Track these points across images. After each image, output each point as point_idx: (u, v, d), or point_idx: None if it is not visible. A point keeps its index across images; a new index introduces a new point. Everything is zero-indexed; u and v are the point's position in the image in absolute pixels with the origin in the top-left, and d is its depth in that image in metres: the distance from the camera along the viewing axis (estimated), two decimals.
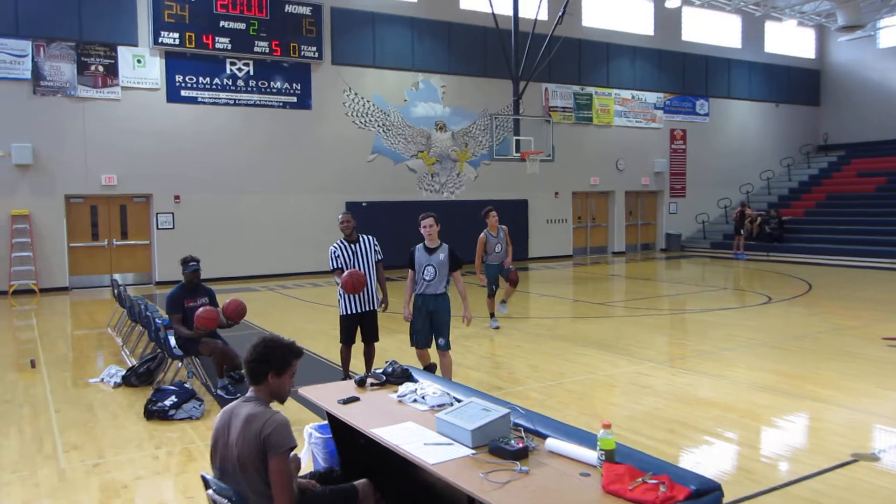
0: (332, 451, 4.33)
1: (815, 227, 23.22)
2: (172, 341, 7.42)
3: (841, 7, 23.63)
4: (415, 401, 3.94)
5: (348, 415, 3.78)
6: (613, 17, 23.79)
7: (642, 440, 5.75)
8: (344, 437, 4.21)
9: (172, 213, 17.27)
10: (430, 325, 7.04)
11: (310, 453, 4.47)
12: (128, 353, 9.31)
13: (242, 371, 7.83)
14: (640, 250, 25.55)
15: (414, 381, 4.27)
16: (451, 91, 20.83)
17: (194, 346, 7.04)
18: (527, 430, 3.37)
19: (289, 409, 6.52)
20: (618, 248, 24.77)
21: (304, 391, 4.29)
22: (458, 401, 3.90)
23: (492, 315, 10.78)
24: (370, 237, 7.42)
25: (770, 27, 27.57)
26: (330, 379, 7.75)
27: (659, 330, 11.19)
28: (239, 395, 7.07)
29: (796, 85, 28.76)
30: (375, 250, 7.35)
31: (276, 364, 3.25)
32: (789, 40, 28.34)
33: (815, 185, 26.48)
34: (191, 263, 7.31)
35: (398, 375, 4.33)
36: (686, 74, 25.55)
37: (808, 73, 29.23)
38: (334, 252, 7.27)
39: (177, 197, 17.25)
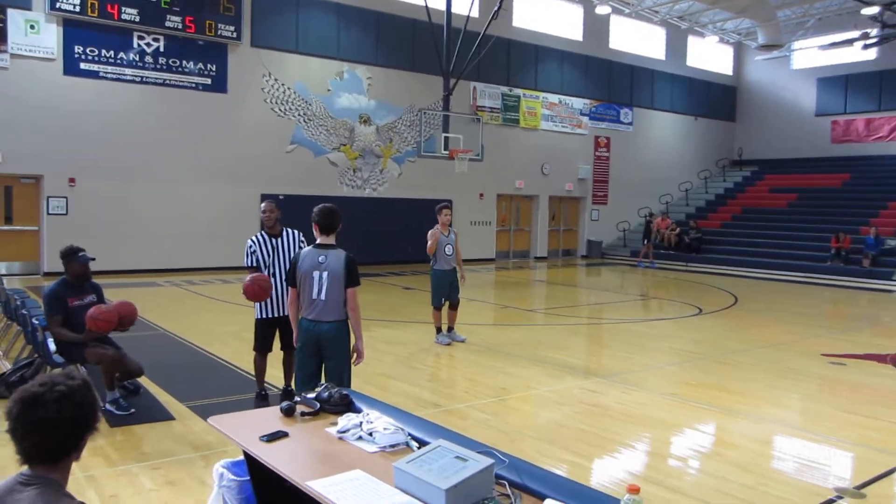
0: (250, 497, 3.43)
1: (732, 238, 23.60)
2: (52, 345, 6.25)
3: (761, 26, 24.15)
4: (360, 438, 3.10)
5: (274, 458, 2.90)
6: (543, 19, 23.47)
7: (606, 471, 5.10)
8: (265, 480, 3.32)
9: (66, 198, 15.63)
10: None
11: (221, 499, 3.55)
12: (0, 354, 8.00)
13: (138, 379, 6.81)
14: (561, 256, 25.34)
15: (357, 410, 3.43)
16: (377, 83, 19.93)
17: (79, 352, 5.92)
18: (513, 485, 2.60)
19: (193, 432, 5.55)
20: (540, 252, 24.46)
21: (215, 421, 3.37)
22: (415, 439, 3.10)
23: (438, 329, 9.50)
24: (295, 231, 6.39)
25: (693, 42, 28.01)
26: (243, 391, 6.81)
27: (597, 341, 10.71)
28: (133, 410, 6.03)
29: (714, 100, 29.36)
30: (301, 247, 6.19)
31: (91, 427, 1.98)
32: (710, 56, 28.90)
33: (730, 199, 27.02)
34: (81, 254, 6.12)
35: (336, 403, 3.47)
36: (612, 82, 25.55)
37: (725, 89, 29.91)
38: (251, 247, 6.24)
39: (72, 180, 15.62)
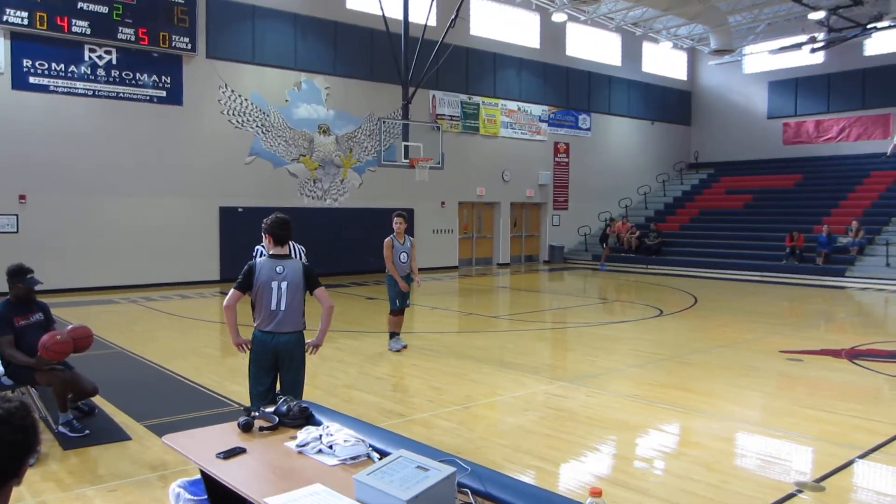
0: None
1: (690, 240, 23.96)
2: (1, 367, 6.04)
3: (714, 31, 24.64)
4: (320, 451, 3.04)
5: (231, 475, 2.82)
6: (501, 27, 23.62)
7: (573, 475, 5.10)
8: (223, 498, 3.24)
9: (16, 216, 15.19)
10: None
11: None
12: None
13: (93, 399, 6.61)
14: (524, 262, 25.45)
15: (317, 423, 3.37)
16: (335, 93, 19.82)
17: (29, 373, 5.73)
18: (476, 493, 2.57)
19: (151, 451, 5.39)
20: (503, 259, 24.54)
21: (170, 440, 3.28)
22: (377, 450, 3.05)
23: (391, 335, 9.52)
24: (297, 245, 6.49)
25: (647, 48, 28.45)
26: (202, 407, 6.66)
27: (562, 345, 10.75)
28: (87, 431, 5.85)
29: (670, 104, 29.84)
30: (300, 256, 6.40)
31: (31, 450, 1.86)
32: (664, 61, 29.39)
33: (688, 201, 27.46)
34: (29, 277, 5.91)
35: (295, 416, 3.41)
36: (570, 89, 25.81)
37: (680, 94, 30.42)
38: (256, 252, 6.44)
39: (22, 197, 15.20)
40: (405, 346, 9.48)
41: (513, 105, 24.13)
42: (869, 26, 22.09)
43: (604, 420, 6.37)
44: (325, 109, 19.66)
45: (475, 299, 16.63)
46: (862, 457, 5.39)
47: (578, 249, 26.07)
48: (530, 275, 22.08)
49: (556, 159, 25.68)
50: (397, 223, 9.28)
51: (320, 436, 3.10)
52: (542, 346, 10.41)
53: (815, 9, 22.46)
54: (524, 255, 25.59)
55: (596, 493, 2.19)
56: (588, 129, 26.72)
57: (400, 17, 17.58)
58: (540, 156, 25.13)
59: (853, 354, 9.26)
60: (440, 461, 2.61)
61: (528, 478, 4.91)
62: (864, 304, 15.91)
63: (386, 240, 9.39)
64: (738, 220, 24.34)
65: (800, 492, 4.68)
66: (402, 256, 9.36)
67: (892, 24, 21.61)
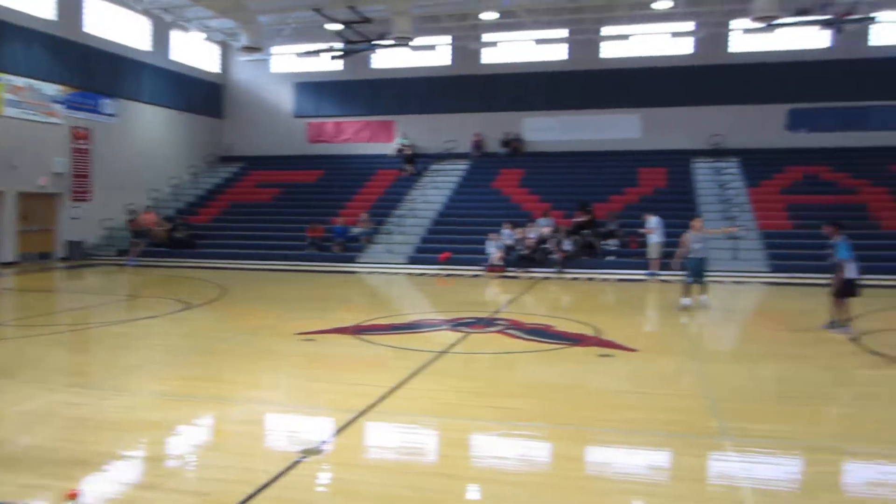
0: None
1: (221, 232, 24.31)
2: None
3: (244, 28, 25.27)
4: None
5: None
6: None
7: (98, 488, 4.87)
8: None
9: None
10: None
11: None
12: None
13: None
14: (37, 260, 22.60)
15: None
16: None
17: None
18: None
19: None
20: (7, 257, 21.37)
21: None
22: None
23: None
24: None
25: (179, 36, 27.81)
26: None
27: (80, 348, 9.96)
28: None
29: (202, 96, 29.73)
30: None
31: None
32: (197, 52, 29.14)
33: (219, 194, 27.76)
34: None
35: None
36: (91, 70, 23.74)
37: (213, 86, 30.53)
38: None
39: None
40: None
41: (20, 81, 21.19)
42: (374, 42, 25.21)
43: (130, 423, 6.14)
44: None
45: None
46: (357, 418, 6.31)
47: (102, 244, 24.21)
48: (43, 274, 19.82)
49: (75, 145, 23.40)
50: None
51: None
52: (55, 352, 9.49)
53: (333, 20, 24.73)
54: (38, 252, 22.70)
55: (71, 496, 2.23)
56: (113, 115, 24.98)
57: None
58: (55, 141, 22.59)
59: (358, 330, 10.62)
60: None
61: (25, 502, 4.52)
62: (371, 285, 18.33)
63: None
64: (267, 213, 25.57)
65: (304, 458, 5.28)
66: None
67: (394, 43, 24.90)
